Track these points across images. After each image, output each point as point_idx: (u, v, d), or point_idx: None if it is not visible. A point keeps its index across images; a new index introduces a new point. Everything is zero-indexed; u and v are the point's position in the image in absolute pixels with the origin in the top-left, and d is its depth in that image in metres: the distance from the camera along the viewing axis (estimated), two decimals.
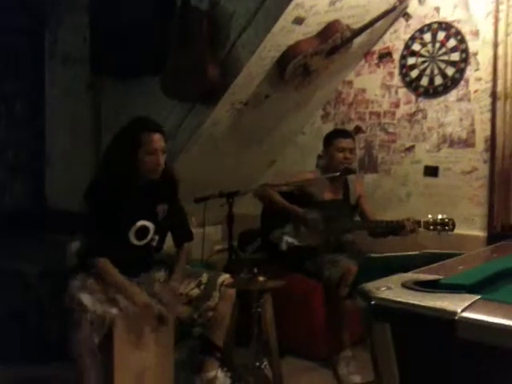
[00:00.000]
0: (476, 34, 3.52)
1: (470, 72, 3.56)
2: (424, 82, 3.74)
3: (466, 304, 1.20)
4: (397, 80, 3.86)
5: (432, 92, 3.72)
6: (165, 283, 2.66)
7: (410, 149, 3.83)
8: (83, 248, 2.66)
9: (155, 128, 2.59)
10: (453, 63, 3.61)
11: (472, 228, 3.53)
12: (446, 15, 3.63)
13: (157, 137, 2.56)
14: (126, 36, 3.82)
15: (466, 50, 3.56)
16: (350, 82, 4.07)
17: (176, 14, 3.50)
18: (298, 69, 3.48)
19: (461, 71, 3.58)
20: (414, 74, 3.77)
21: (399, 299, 1.26)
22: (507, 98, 3.38)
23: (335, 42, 3.46)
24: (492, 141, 3.47)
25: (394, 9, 3.54)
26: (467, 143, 3.60)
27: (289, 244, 3.23)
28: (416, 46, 3.76)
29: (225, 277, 2.71)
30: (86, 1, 4.16)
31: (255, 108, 3.72)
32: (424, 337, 1.23)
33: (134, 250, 2.61)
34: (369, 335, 1.31)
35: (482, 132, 3.53)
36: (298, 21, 3.26)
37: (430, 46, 3.70)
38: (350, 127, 4.00)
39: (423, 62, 3.74)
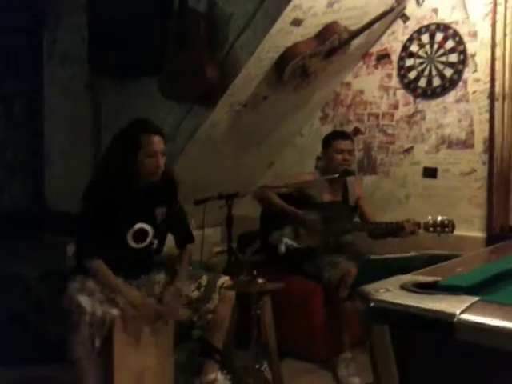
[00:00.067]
0: (474, 35, 3.52)
1: (468, 73, 3.56)
2: (422, 83, 3.74)
3: (465, 306, 1.19)
4: (395, 81, 3.87)
5: (430, 93, 3.72)
6: (169, 285, 2.65)
7: (409, 150, 3.84)
8: (78, 249, 2.65)
9: (155, 130, 2.59)
10: (451, 64, 3.62)
11: (471, 229, 3.53)
12: (444, 16, 3.64)
13: (156, 139, 2.56)
14: (124, 36, 3.83)
15: (464, 52, 3.56)
16: (349, 84, 4.08)
17: (173, 15, 3.51)
18: (296, 70, 3.48)
19: (459, 72, 3.59)
20: (412, 75, 3.78)
21: (398, 301, 1.26)
22: (505, 99, 3.39)
23: (333, 43, 3.46)
24: (490, 142, 3.47)
25: (391, 10, 3.55)
26: (466, 144, 3.60)
27: (288, 246, 3.22)
28: (414, 48, 3.77)
29: (224, 279, 2.71)
30: (84, 1, 4.16)
31: (254, 109, 3.73)
32: (423, 339, 1.23)
33: (133, 253, 2.61)
34: (368, 337, 1.30)
35: (481, 133, 3.53)
36: (296, 22, 3.26)
37: (427, 48, 3.71)
38: (349, 129, 4.00)
39: (421, 63, 3.74)
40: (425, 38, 3.72)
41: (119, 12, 3.88)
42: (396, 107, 3.87)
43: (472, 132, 3.58)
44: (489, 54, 3.45)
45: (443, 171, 3.69)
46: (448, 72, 3.63)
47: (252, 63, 3.36)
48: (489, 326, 1.13)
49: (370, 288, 1.35)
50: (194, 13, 3.43)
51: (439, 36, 3.66)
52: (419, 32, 3.74)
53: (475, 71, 3.53)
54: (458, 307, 1.18)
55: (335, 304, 3.16)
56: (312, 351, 3.29)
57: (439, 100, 3.69)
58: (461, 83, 3.59)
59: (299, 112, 4.11)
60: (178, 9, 3.44)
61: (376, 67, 3.95)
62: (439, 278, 1.43)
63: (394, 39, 3.86)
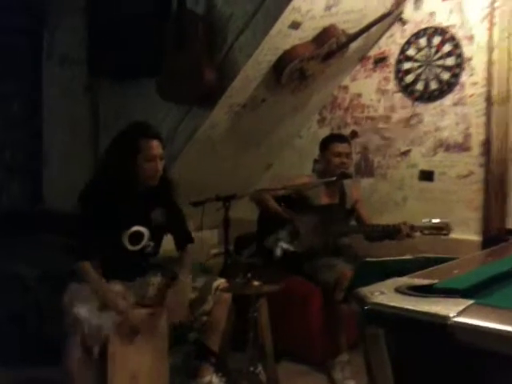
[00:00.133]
0: (471, 39, 3.54)
1: (465, 76, 3.57)
2: (420, 86, 3.75)
3: (460, 309, 1.20)
4: (392, 85, 3.88)
5: (428, 96, 3.73)
6: (171, 285, 2.64)
7: (406, 153, 3.84)
8: (68, 251, 2.65)
9: (154, 134, 2.59)
10: (448, 68, 3.63)
11: (467, 232, 3.54)
12: (442, 20, 3.65)
13: (155, 143, 2.56)
14: (123, 38, 3.83)
15: (461, 55, 3.57)
16: (346, 87, 4.09)
17: (172, 16, 3.51)
18: (294, 73, 3.49)
19: (456, 76, 3.60)
20: (410, 78, 3.79)
21: (393, 304, 1.26)
22: (502, 102, 3.40)
23: (331, 46, 3.47)
24: (487, 145, 3.48)
25: (389, 14, 3.56)
26: (463, 147, 3.61)
27: (284, 250, 3.23)
28: (411, 51, 3.78)
29: (220, 281, 2.71)
30: (83, 2, 4.17)
31: (252, 111, 3.73)
32: (418, 341, 1.23)
33: (129, 255, 2.61)
34: (362, 340, 1.31)
35: (478, 136, 3.54)
36: (295, 25, 3.27)
37: (425, 51, 3.72)
38: (346, 132, 4.01)
39: (419, 66, 3.75)
40: (422, 41, 3.73)
41: (118, 13, 3.89)
42: (393, 110, 3.88)
43: (469, 135, 3.59)
44: (486, 58, 3.46)
45: (440, 174, 3.70)
46: (445, 75, 3.65)
47: (250, 66, 3.36)
48: (483, 328, 1.14)
49: (365, 291, 1.35)
50: (192, 14, 3.43)
51: (437, 40, 3.67)
52: (417, 35, 3.75)
53: (472, 75, 3.54)
54: (452, 310, 1.19)
55: (331, 306, 3.16)
56: (308, 353, 3.29)
57: (436, 103, 3.70)
58: (458, 87, 3.60)
59: (297, 114, 4.11)
60: (177, 10, 3.44)
61: (374, 70, 3.96)
62: (435, 281, 1.44)
63: (392, 42, 3.87)
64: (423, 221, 3.09)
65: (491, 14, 3.42)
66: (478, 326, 1.15)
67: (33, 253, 3.55)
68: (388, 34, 3.87)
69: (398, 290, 1.35)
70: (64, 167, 4.45)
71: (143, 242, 2.64)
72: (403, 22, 3.79)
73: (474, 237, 3.53)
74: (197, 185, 3.45)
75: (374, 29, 3.60)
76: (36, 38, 4.49)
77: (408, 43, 3.79)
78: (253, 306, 2.54)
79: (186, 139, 3.72)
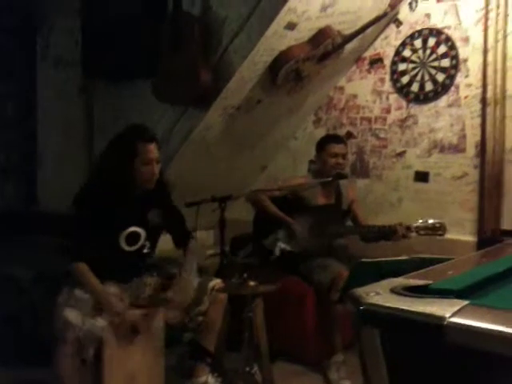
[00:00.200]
0: (466, 40, 3.55)
1: (460, 78, 3.58)
2: (415, 87, 3.76)
3: (455, 309, 1.20)
4: (388, 86, 3.88)
5: (423, 98, 3.74)
6: (175, 284, 2.64)
7: (401, 154, 3.85)
8: (63, 253, 2.65)
9: (151, 138, 2.59)
10: (443, 69, 3.64)
11: (462, 233, 3.55)
12: (437, 22, 3.66)
13: (152, 147, 2.57)
14: (118, 39, 3.83)
15: (456, 57, 3.58)
16: (342, 88, 4.09)
17: (167, 18, 3.51)
18: (290, 74, 3.49)
19: (451, 77, 3.61)
20: (405, 79, 3.80)
21: (388, 304, 1.26)
22: (497, 104, 3.41)
23: (327, 47, 3.48)
24: (482, 146, 3.49)
25: (384, 15, 3.57)
26: (458, 148, 3.62)
27: (282, 250, 3.24)
28: (407, 52, 3.79)
29: (216, 281, 2.71)
30: (78, 4, 4.16)
31: (247, 113, 3.73)
32: (413, 342, 1.23)
33: (125, 256, 2.61)
34: (358, 340, 1.31)
35: (473, 137, 3.55)
36: (290, 26, 3.27)
37: (420, 52, 3.73)
38: (342, 132, 4.01)
39: (414, 68, 3.76)
40: (417, 42, 3.74)
41: (113, 15, 3.88)
42: (389, 111, 3.89)
43: (464, 136, 3.60)
44: (481, 60, 3.47)
45: (435, 175, 3.71)
46: (440, 77, 3.66)
47: (246, 67, 3.37)
48: (478, 329, 1.14)
49: (360, 291, 1.36)
50: (188, 16, 3.43)
51: (432, 41, 3.68)
52: (412, 37, 3.76)
53: (467, 76, 3.56)
54: (447, 310, 1.19)
55: (326, 307, 3.16)
56: (303, 353, 3.29)
57: (431, 105, 3.71)
58: (453, 88, 3.61)
59: (293, 115, 4.12)
60: (172, 12, 3.44)
61: (369, 72, 3.97)
62: (430, 282, 1.44)
63: (387, 44, 3.88)
64: (419, 221, 3.09)
65: (486, 16, 3.43)
66: (473, 327, 1.15)
67: (27, 254, 3.55)
68: (383, 35, 3.88)
69: (394, 291, 1.35)
70: (58, 168, 4.44)
71: (140, 243, 2.64)
72: (398, 23, 3.80)
73: (469, 237, 3.54)
74: (192, 186, 3.45)
75: (369, 30, 3.61)
76: (30, 39, 4.48)
77: (403, 44, 3.80)
78: (248, 306, 2.54)
79: (181, 140, 3.72)
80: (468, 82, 3.55)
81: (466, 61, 3.56)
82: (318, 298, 3.27)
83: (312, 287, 3.29)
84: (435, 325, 1.17)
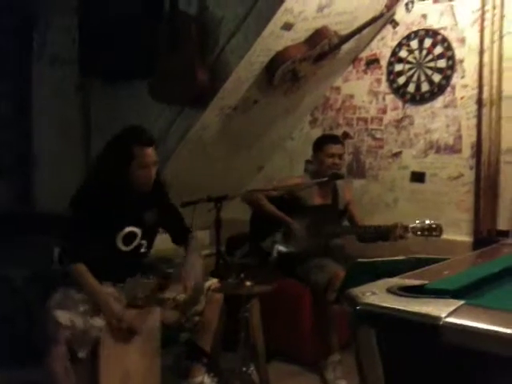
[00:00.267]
0: (462, 41, 3.56)
1: (456, 79, 3.59)
2: (411, 88, 3.77)
3: (451, 309, 1.20)
4: (384, 86, 3.89)
5: (419, 98, 3.75)
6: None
7: (398, 154, 3.86)
8: (61, 254, 2.64)
9: (148, 141, 2.57)
10: (439, 70, 3.65)
11: (458, 233, 3.56)
12: (433, 22, 3.67)
13: (150, 151, 2.55)
14: (115, 38, 3.82)
15: (452, 57, 3.59)
16: (338, 88, 4.10)
17: (164, 17, 3.51)
18: (286, 74, 3.49)
19: (447, 78, 3.62)
20: (401, 80, 3.81)
21: (384, 304, 1.26)
22: (493, 105, 3.42)
23: (323, 48, 3.48)
24: (478, 147, 3.50)
25: (381, 16, 3.57)
26: (454, 149, 3.63)
27: (279, 252, 3.24)
28: (403, 53, 3.79)
29: (212, 281, 2.71)
30: (75, 2, 4.15)
31: (244, 113, 3.73)
32: (409, 342, 1.24)
33: (122, 256, 2.60)
34: (354, 340, 1.31)
35: (469, 138, 3.56)
36: (287, 27, 3.28)
37: (416, 53, 3.73)
38: (338, 133, 4.01)
39: (410, 68, 3.77)
40: (414, 43, 3.75)
41: (110, 14, 3.88)
42: (385, 112, 3.89)
43: (460, 137, 3.61)
44: (477, 60, 3.48)
45: (431, 175, 3.72)
46: (436, 77, 3.66)
47: (242, 67, 3.37)
48: (474, 329, 1.14)
49: (356, 291, 1.36)
50: (185, 16, 3.43)
51: (428, 42, 3.69)
52: (408, 38, 3.77)
53: (463, 77, 3.56)
54: (443, 310, 1.19)
55: (323, 307, 3.17)
56: (300, 353, 3.30)
57: (427, 105, 3.72)
58: (449, 89, 3.62)
59: (289, 116, 4.12)
60: (169, 11, 3.44)
61: (365, 72, 3.97)
62: (426, 282, 1.44)
63: (384, 44, 3.88)
64: (416, 222, 3.10)
65: (482, 17, 3.44)
66: (469, 327, 1.15)
67: (21, 255, 3.53)
68: (379, 36, 3.88)
69: (390, 291, 1.35)
70: (54, 168, 4.42)
71: (136, 242, 2.64)
72: (395, 24, 3.81)
73: (465, 238, 3.54)
74: (188, 185, 3.44)
75: (365, 30, 3.62)
76: (26, 37, 4.47)
77: (399, 45, 3.80)
78: (244, 306, 2.54)
79: (177, 140, 3.71)
80: (464, 83, 3.56)
81: (462, 62, 3.57)
82: (315, 298, 3.28)
83: (308, 287, 3.29)
84: (431, 325, 1.17)
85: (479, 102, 3.48)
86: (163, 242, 2.87)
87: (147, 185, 2.59)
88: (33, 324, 3.09)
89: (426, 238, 3.08)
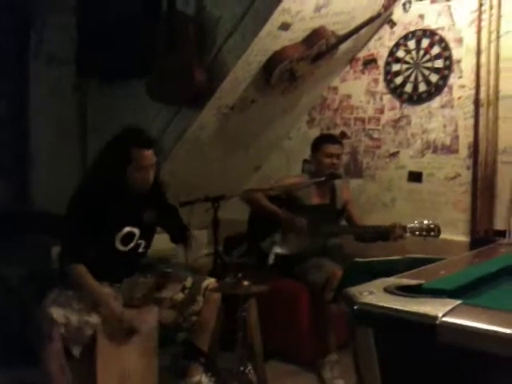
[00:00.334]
0: (459, 41, 3.56)
1: (453, 79, 3.59)
2: (408, 88, 3.77)
3: (448, 309, 1.21)
4: (381, 86, 3.89)
5: (416, 98, 3.75)
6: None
7: (395, 154, 3.86)
8: (60, 255, 2.64)
9: (147, 143, 2.55)
10: (437, 70, 3.65)
11: (455, 233, 3.56)
12: (430, 23, 3.67)
13: (148, 153, 2.54)
14: (112, 38, 3.82)
15: (449, 58, 3.60)
16: (336, 88, 4.10)
17: (162, 17, 3.51)
18: (284, 74, 3.49)
19: (444, 78, 3.62)
20: (399, 80, 3.81)
21: (381, 304, 1.27)
22: (490, 105, 3.43)
23: (321, 48, 3.48)
24: (475, 147, 3.51)
25: (378, 16, 3.58)
26: (451, 149, 3.64)
27: (277, 255, 3.24)
28: (400, 53, 3.80)
29: (209, 281, 2.71)
30: (72, 2, 4.14)
31: (241, 113, 3.73)
32: (406, 341, 1.24)
33: (120, 256, 2.60)
34: (352, 340, 1.32)
35: (466, 138, 3.57)
36: (284, 26, 3.28)
37: (414, 53, 3.74)
38: (335, 132, 4.02)
39: (407, 68, 3.77)
40: (411, 43, 3.75)
41: (108, 14, 3.87)
42: (382, 112, 3.90)
43: (457, 137, 3.61)
44: (474, 61, 3.48)
45: (428, 175, 3.72)
46: (434, 78, 3.67)
47: (240, 67, 3.37)
48: (471, 328, 1.15)
49: (354, 291, 1.36)
50: (183, 15, 3.43)
51: (425, 42, 3.69)
52: (406, 38, 3.77)
53: (460, 77, 3.57)
54: (440, 310, 1.20)
55: (321, 306, 3.17)
56: (297, 353, 3.30)
57: (425, 105, 3.72)
58: (446, 89, 3.62)
59: (287, 116, 4.12)
60: (167, 11, 3.44)
61: (363, 72, 3.97)
62: (423, 281, 1.45)
63: (381, 45, 3.88)
64: (415, 222, 3.11)
65: (479, 17, 3.44)
66: (466, 326, 1.16)
67: (18, 253, 3.52)
68: (377, 36, 3.88)
69: (387, 290, 1.36)
70: (51, 167, 4.42)
71: (134, 242, 2.64)
72: (392, 24, 3.81)
73: (462, 238, 3.55)
74: (186, 185, 3.45)
75: (363, 30, 3.62)
76: (23, 36, 4.46)
77: (397, 45, 3.80)
78: (242, 305, 2.54)
79: (175, 140, 3.71)
80: (461, 83, 3.57)
81: (459, 62, 3.57)
82: (312, 298, 3.28)
83: (306, 287, 3.29)
84: (428, 324, 1.17)
85: (476, 103, 3.49)
86: (161, 241, 2.86)
87: (145, 186, 2.58)
88: (28, 323, 3.08)
89: (424, 239, 3.09)
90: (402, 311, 1.23)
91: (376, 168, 3.95)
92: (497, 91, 3.41)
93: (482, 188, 3.48)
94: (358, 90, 3.99)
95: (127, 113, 3.83)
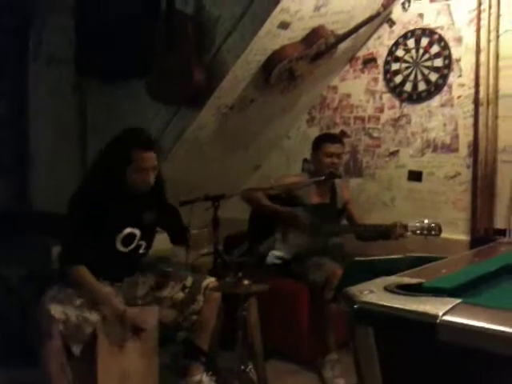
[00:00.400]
0: (459, 40, 3.56)
1: (453, 78, 3.59)
2: (408, 87, 3.77)
3: (448, 307, 1.21)
4: (381, 85, 3.89)
5: (416, 97, 3.75)
6: None
7: (395, 153, 3.86)
8: (61, 255, 2.64)
9: (148, 145, 2.53)
10: (436, 69, 3.65)
11: (455, 232, 3.56)
12: (430, 22, 3.67)
13: (148, 155, 2.52)
14: (111, 38, 3.81)
15: (449, 57, 3.60)
16: (335, 87, 4.10)
17: (161, 17, 3.50)
18: (283, 73, 3.49)
19: (444, 77, 3.62)
20: (398, 79, 3.81)
21: (382, 303, 1.27)
22: (489, 104, 3.43)
23: (320, 47, 3.48)
24: (475, 146, 3.51)
25: (378, 15, 3.58)
26: (451, 148, 3.64)
27: (275, 259, 3.25)
28: (400, 52, 3.79)
29: (209, 280, 2.71)
30: (71, 2, 4.14)
31: (241, 112, 3.73)
32: (406, 340, 1.24)
33: (120, 256, 2.60)
34: (352, 338, 1.32)
35: (466, 137, 3.57)
36: (284, 25, 3.27)
37: (413, 52, 3.74)
38: (335, 131, 4.02)
39: (407, 67, 3.77)
40: (410, 42, 3.75)
41: (107, 13, 3.87)
42: (382, 111, 3.90)
43: (456, 136, 3.61)
44: (473, 60, 3.48)
45: (428, 174, 3.72)
46: (433, 77, 3.67)
47: (239, 66, 3.36)
48: (471, 327, 1.15)
49: (354, 289, 1.36)
50: (182, 15, 3.43)
51: (425, 41, 3.69)
52: (405, 37, 3.77)
53: (460, 76, 3.57)
54: (440, 309, 1.20)
55: (321, 305, 3.17)
56: (297, 352, 3.30)
57: (424, 104, 3.72)
58: (446, 88, 3.62)
59: (286, 115, 4.12)
60: (166, 11, 3.43)
61: (362, 71, 3.97)
62: (423, 280, 1.45)
63: (380, 44, 3.88)
64: (415, 221, 3.11)
65: (478, 16, 3.44)
66: (466, 325, 1.16)
67: (18, 253, 3.52)
68: (376, 35, 3.88)
69: (387, 289, 1.36)
70: (51, 167, 4.41)
71: (135, 243, 2.63)
72: (391, 23, 3.81)
73: (462, 237, 3.55)
74: (185, 185, 3.45)
75: (362, 30, 3.62)
76: (23, 37, 4.46)
77: (396, 44, 3.80)
78: (242, 305, 2.54)
79: (174, 140, 3.71)
80: (461, 82, 3.57)
81: (458, 61, 3.57)
82: (312, 297, 3.28)
83: (306, 286, 3.29)
84: (428, 323, 1.17)
85: (476, 101, 3.49)
86: (161, 241, 2.86)
87: (145, 188, 2.57)
88: (28, 323, 3.08)
89: (424, 238, 3.09)
90: (402, 310, 1.23)
91: (376, 167, 3.95)
92: (496, 90, 3.41)
93: (482, 187, 3.48)
94: (358, 89, 3.99)
95: (126, 113, 3.83)
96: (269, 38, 3.28)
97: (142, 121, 3.55)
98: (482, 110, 3.46)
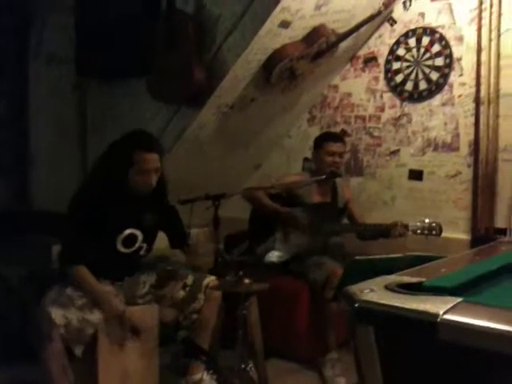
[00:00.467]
0: (460, 39, 3.56)
1: (454, 77, 3.59)
2: (409, 86, 3.77)
3: (448, 306, 1.21)
4: (382, 84, 3.89)
5: (417, 96, 3.75)
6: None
7: (395, 152, 3.86)
8: (61, 255, 2.63)
9: (150, 147, 2.53)
10: (437, 68, 3.65)
11: (456, 231, 3.56)
12: (431, 21, 3.67)
13: (150, 157, 2.51)
14: (112, 37, 3.81)
15: (450, 56, 3.59)
16: (336, 86, 4.10)
17: (161, 16, 3.50)
18: (284, 72, 3.49)
19: (445, 76, 3.62)
20: (399, 78, 3.81)
21: (382, 301, 1.26)
22: (490, 103, 3.42)
23: (321, 46, 3.48)
24: (475, 145, 3.51)
25: (379, 14, 3.57)
26: (451, 147, 3.63)
27: (275, 258, 3.25)
28: (401, 51, 3.79)
29: (210, 279, 2.71)
30: (71, 1, 4.14)
31: (241, 111, 3.73)
32: (407, 339, 1.24)
33: (121, 257, 2.60)
34: (352, 337, 1.31)
35: (466, 136, 3.56)
36: (284, 24, 3.27)
37: (414, 51, 3.73)
38: (336, 130, 4.02)
39: (408, 66, 3.77)
40: (411, 41, 3.75)
41: (107, 13, 3.87)
42: (383, 110, 3.89)
43: (457, 135, 3.61)
44: (474, 59, 3.48)
45: (429, 173, 3.72)
46: (434, 76, 3.66)
47: (239, 65, 3.36)
48: (472, 326, 1.15)
49: (354, 288, 1.36)
50: (182, 14, 3.42)
51: (426, 40, 3.68)
52: (406, 36, 3.77)
53: (461, 75, 3.57)
54: (441, 308, 1.20)
55: (321, 305, 3.17)
56: (298, 351, 3.30)
57: (425, 103, 3.72)
58: (447, 87, 3.62)
59: (287, 114, 4.12)
60: (166, 10, 3.43)
61: (363, 70, 3.97)
62: (424, 279, 1.44)
63: (381, 43, 3.88)
64: (416, 221, 3.10)
65: (479, 15, 3.44)
66: (467, 324, 1.15)
67: (18, 253, 3.52)
68: (377, 34, 3.88)
69: (388, 288, 1.35)
70: (51, 167, 4.41)
71: (137, 245, 2.63)
72: (392, 22, 3.81)
73: (463, 236, 3.55)
74: (186, 184, 3.44)
75: (363, 29, 3.62)
76: (23, 36, 4.46)
77: (397, 43, 3.80)
78: (242, 303, 2.54)
79: (174, 139, 3.71)
80: (462, 81, 3.56)
81: (459, 60, 3.57)
82: (313, 296, 3.28)
83: (306, 285, 3.29)
84: (429, 322, 1.17)
85: (477, 100, 3.49)
86: (163, 240, 2.86)
87: (146, 190, 2.56)
88: (28, 323, 3.08)
89: (425, 237, 3.09)
90: (402, 309, 1.23)
91: (376, 166, 3.95)
92: (497, 89, 3.41)
93: (483, 186, 3.48)
94: (359, 88, 3.99)
95: (127, 112, 3.83)
96: (269, 37, 3.28)
97: (142, 120, 3.55)
98: (482, 109, 3.46)
